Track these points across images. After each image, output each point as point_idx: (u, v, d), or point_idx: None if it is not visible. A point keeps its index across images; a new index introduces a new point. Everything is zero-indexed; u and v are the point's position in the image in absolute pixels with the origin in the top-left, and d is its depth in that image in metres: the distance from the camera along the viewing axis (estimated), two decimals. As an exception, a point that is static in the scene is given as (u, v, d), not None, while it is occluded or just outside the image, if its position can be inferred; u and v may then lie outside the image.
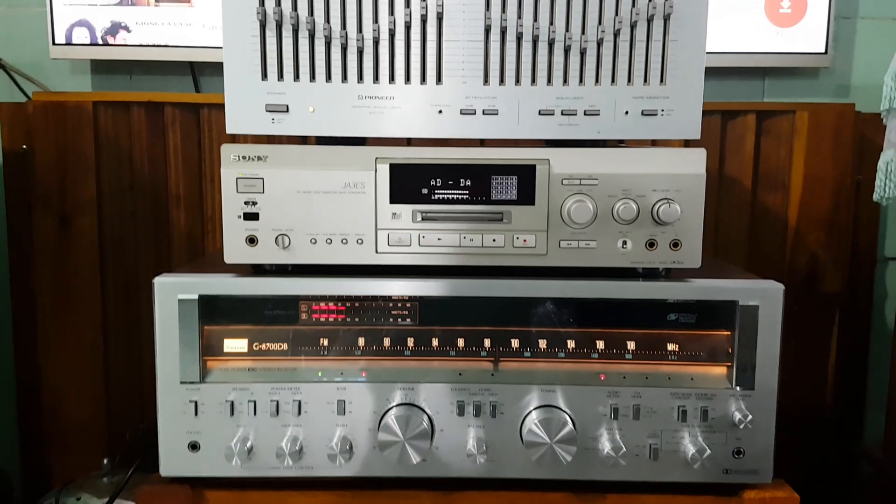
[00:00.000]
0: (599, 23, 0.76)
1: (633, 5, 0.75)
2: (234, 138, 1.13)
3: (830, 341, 1.29)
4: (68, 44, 1.23)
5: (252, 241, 0.77)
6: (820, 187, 1.25)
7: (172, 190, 1.26)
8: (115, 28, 1.24)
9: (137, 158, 1.25)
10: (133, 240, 1.26)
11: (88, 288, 1.25)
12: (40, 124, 1.22)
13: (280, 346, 0.78)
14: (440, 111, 0.78)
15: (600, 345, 0.78)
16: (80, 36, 1.23)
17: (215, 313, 0.78)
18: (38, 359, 1.27)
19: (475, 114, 0.78)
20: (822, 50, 1.26)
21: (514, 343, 0.79)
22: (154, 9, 1.23)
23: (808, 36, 1.26)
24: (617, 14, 0.76)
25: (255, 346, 0.79)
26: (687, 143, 1.06)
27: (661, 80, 0.77)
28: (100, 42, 1.24)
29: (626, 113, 0.78)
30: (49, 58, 1.23)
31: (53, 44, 1.23)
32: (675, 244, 0.77)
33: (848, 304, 1.29)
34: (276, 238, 0.77)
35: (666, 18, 0.76)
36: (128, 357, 1.28)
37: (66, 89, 1.31)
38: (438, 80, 0.77)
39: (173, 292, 0.77)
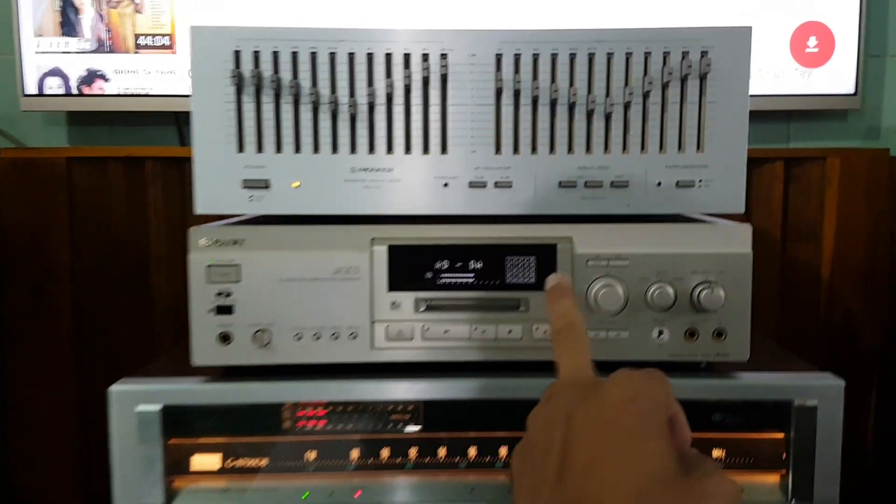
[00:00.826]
0: (626, 84, 0.66)
1: (665, 63, 0.66)
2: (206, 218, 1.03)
3: (870, 400, 1.19)
4: (40, 94, 1.14)
5: (225, 338, 0.67)
6: (854, 238, 1.17)
7: (154, 252, 1.16)
8: (91, 77, 1.14)
9: (116, 218, 1.16)
10: (112, 307, 1.16)
11: (63, 362, 1.15)
12: (10, 182, 1.13)
13: (258, 462, 0.67)
14: (446, 184, 0.68)
15: (634, 452, 0.68)
16: (53, 86, 1.14)
17: (182, 425, 0.66)
18: (8, 440, 1.16)
19: (486, 187, 0.68)
20: (852, 91, 1.17)
21: (534, 450, 0.68)
22: (134, 56, 1.14)
23: (836, 76, 1.17)
24: (646, 74, 0.66)
25: (229, 463, 0.67)
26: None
27: (699, 148, 0.67)
28: (74, 92, 1.14)
29: (659, 184, 0.68)
30: (19, 109, 1.14)
31: (24, 95, 1.14)
32: (719, 333, 0.67)
33: (888, 360, 1.19)
34: (255, 334, 0.67)
35: (702, 77, 0.66)
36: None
37: (40, 142, 1.22)
38: (443, 149, 0.68)
39: (132, 403, 0.65)
